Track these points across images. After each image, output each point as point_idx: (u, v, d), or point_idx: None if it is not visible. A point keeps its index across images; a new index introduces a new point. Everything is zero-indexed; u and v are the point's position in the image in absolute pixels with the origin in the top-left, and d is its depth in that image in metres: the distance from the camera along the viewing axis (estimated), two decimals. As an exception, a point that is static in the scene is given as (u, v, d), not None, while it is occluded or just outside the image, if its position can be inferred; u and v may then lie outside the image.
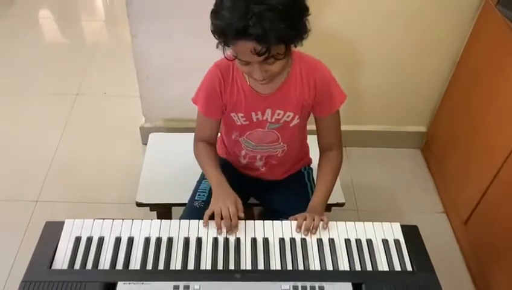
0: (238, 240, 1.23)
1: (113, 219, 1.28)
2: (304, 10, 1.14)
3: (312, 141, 1.59)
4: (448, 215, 2.15)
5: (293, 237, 1.25)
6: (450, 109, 2.17)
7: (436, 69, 2.15)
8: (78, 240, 1.21)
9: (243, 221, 1.28)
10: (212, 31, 1.15)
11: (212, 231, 1.25)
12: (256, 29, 1.06)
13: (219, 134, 1.63)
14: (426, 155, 2.43)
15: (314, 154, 1.64)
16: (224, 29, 1.10)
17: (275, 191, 1.59)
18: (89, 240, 1.21)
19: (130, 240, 1.21)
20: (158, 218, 1.72)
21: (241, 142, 1.48)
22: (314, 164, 1.64)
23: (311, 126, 1.51)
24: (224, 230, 1.24)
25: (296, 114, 1.38)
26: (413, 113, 2.34)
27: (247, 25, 1.06)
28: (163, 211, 1.71)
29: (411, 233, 1.29)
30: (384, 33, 2.01)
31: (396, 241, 1.25)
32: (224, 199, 1.29)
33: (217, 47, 1.18)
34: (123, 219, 1.27)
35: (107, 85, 2.78)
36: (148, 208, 1.69)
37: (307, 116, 1.46)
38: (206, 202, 1.50)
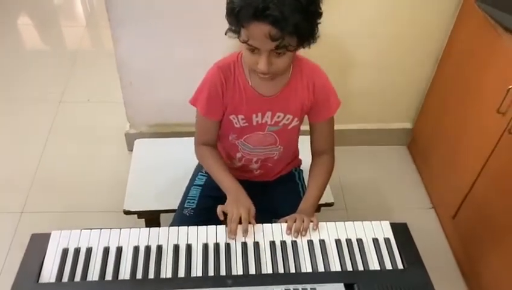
0: (228, 245, 1.22)
1: (101, 229, 1.25)
2: (319, 13, 1.16)
3: (301, 143, 1.59)
4: (436, 211, 2.17)
5: (284, 239, 1.24)
6: (435, 105, 2.18)
7: (419, 65, 2.16)
8: (65, 251, 1.18)
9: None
10: (228, 10, 1.15)
11: (202, 237, 1.24)
12: (275, 12, 1.06)
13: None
14: (412, 151, 2.45)
15: (303, 155, 1.64)
16: (243, 8, 1.09)
17: (267, 192, 1.58)
18: (77, 251, 1.19)
19: (119, 250, 1.19)
20: (146, 225, 1.71)
21: (238, 144, 1.47)
22: (304, 166, 1.65)
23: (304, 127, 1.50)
24: (238, 233, 1.23)
25: (295, 117, 1.38)
26: (399, 110, 2.35)
27: (267, 6, 1.06)
28: (152, 218, 1.69)
29: (401, 231, 1.29)
30: (366, 31, 2.02)
31: (387, 240, 1.25)
32: (239, 206, 1.28)
33: (226, 33, 1.17)
34: (111, 229, 1.25)
35: (91, 92, 2.74)
36: (136, 215, 1.67)
37: (302, 120, 1.46)
38: (196, 210, 1.50)
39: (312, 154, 1.50)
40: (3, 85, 2.80)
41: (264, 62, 1.16)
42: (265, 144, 1.45)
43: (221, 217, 1.27)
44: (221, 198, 1.54)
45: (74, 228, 1.24)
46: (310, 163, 1.51)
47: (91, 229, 1.25)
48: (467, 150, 1.88)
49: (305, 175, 1.60)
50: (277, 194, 1.57)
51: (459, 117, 1.95)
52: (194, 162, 1.65)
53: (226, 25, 1.20)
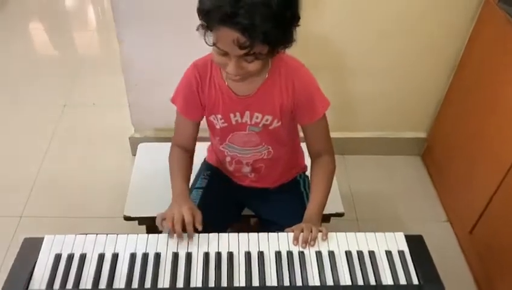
0: (231, 254, 1.15)
1: (97, 234, 1.20)
2: (296, 18, 1.09)
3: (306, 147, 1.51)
4: (452, 224, 2.08)
5: (290, 250, 1.17)
6: (451, 113, 2.11)
7: (435, 71, 2.09)
8: (58, 257, 1.13)
9: (235, 235, 1.20)
10: (197, 10, 1.09)
11: (203, 246, 1.17)
12: (244, 19, 0.99)
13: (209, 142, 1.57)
14: (427, 162, 2.37)
15: (309, 160, 1.53)
16: (211, 11, 1.03)
17: (269, 201, 1.51)
18: (70, 257, 1.13)
19: (115, 257, 1.13)
20: (147, 232, 1.64)
21: (225, 148, 1.42)
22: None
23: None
24: (174, 236, 1.17)
25: (275, 118, 1.31)
26: (412, 118, 2.28)
27: (237, 12, 0.99)
28: (153, 225, 1.61)
29: (416, 243, 1.22)
30: (380, 36, 1.96)
31: (401, 253, 1.18)
32: (181, 206, 1.21)
33: (197, 29, 1.11)
34: (107, 234, 1.19)
35: (97, 95, 2.71)
36: (136, 222, 1.61)
37: (290, 121, 1.37)
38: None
39: (310, 157, 1.42)
40: (9, 88, 2.79)
41: (233, 66, 1.10)
42: (250, 144, 1.38)
43: (161, 227, 1.19)
44: (224, 201, 1.50)
45: (73, 233, 1.19)
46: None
47: (86, 234, 1.20)
48: (486, 161, 1.80)
49: None
50: (279, 204, 1.49)
51: (478, 127, 1.87)
52: (199, 167, 1.61)
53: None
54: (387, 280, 1.12)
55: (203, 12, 1.06)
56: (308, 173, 1.58)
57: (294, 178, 1.55)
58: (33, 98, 2.71)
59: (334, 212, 1.59)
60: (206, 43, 1.10)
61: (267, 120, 1.32)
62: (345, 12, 1.86)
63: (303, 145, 1.54)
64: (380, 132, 2.32)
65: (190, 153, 1.42)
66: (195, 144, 1.42)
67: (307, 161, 1.57)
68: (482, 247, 1.82)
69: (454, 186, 2.06)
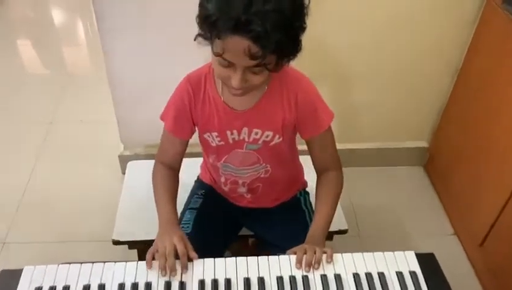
0: (228, 282, 1.06)
1: (81, 263, 1.09)
2: (303, 27, 1.01)
3: (306, 161, 1.42)
4: (459, 238, 1.99)
5: (293, 274, 1.08)
6: (454, 120, 2.03)
7: (436, 78, 2.02)
8: None
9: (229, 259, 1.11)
10: (200, 18, 1.00)
11: (197, 272, 1.08)
12: (258, 27, 0.91)
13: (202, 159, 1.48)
14: (430, 172, 2.29)
15: (309, 176, 1.47)
16: (221, 18, 0.94)
17: (269, 221, 1.41)
18: None
19: (101, 288, 1.03)
20: (139, 257, 1.54)
21: (219, 167, 1.32)
22: (311, 187, 1.47)
23: (304, 146, 1.35)
24: (168, 272, 1.06)
25: (276, 133, 1.23)
26: (413, 127, 2.21)
27: (250, 20, 0.91)
28: (144, 249, 1.51)
29: (428, 262, 1.14)
30: (378, 43, 1.89)
31: (413, 274, 1.10)
32: (172, 236, 1.11)
33: (196, 39, 1.02)
34: (93, 263, 1.09)
35: (84, 112, 2.63)
36: (126, 245, 1.51)
37: (292, 136, 1.30)
38: (191, 235, 1.33)
39: (316, 173, 1.33)
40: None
41: (238, 79, 1.02)
42: (247, 163, 1.29)
43: (150, 265, 1.08)
44: (220, 222, 1.41)
45: (60, 259, 1.13)
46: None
47: (70, 263, 1.10)
48: (494, 168, 1.72)
49: (312, 199, 1.42)
50: (279, 225, 1.40)
51: (483, 132, 1.80)
52: (190, 186, 1.52)
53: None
54: (399, 304, 1.03)
55: (208, 20, 0.97)
56: (308, 189, 1.50)
57: (294, 196, 1.46)
58: (17, 116, 2.63)
59: (337, 229, 1.50)
60: (213, 51, 1.01)
61: (267, 136, 1.23)
62: (342, 20, 1.80)
63: (302, 159, 1.47)
64: (379, 143, 2.25)
65: (176, 171, 1.32)
66: (181, 162, 1.33)
67: (307, 176, 1.50)
68: (494, 261, 1.73)
69: (461, 196, 1.98)
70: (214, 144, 1.26)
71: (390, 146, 2.25)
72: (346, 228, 1.53)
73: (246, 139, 1.23)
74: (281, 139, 1.24)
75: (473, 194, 1.87)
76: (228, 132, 1.22)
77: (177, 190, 1.29)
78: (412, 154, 2.29)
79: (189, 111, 1.22)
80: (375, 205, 2.13)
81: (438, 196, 2.19)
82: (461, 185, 1.97)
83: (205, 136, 1.25)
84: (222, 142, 1.24)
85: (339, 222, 1.51)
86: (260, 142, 1.24)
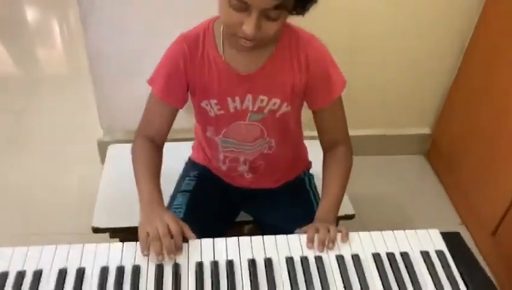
0: (230, 263, 0.92)
1: (56, 245, 0.94)
2: None
3: (311, 145, 1.32)
4: (468, 227, 1.89)
5: (305, 255, 0.96)
6: (460, 104, 1.93)
7: (439, 60, 1.92)
8: (4, 276, 0.88)
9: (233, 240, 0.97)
10: None
11: (194, 254, 0.94)
12: None
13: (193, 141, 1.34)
14: (432, 160, 2.19)
15: (313, 159, 1.36)
16: None
17: (271, 203, 1.28)
18: (20, 275, 0.88)
19: (80, 272, 0.89)
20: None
21: (218, 142, 1.18)
22: (315, 171, 1.36)
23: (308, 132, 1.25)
24: (166, 255, 0.92)
25: (283, 101, 1.09)
26: (414, 112, 2.10)
27: None
28: (127, 238, 1.35)
29: (454, 242, 1.04)
30: (379, 25, 1.79)
31: (439, 253, 0.99)
32: (162, 216, 0.96)
33: None
34: (70, 244, 0.94)
35: (58, 103, 2.48)
36: (107, 234, 1.36)
37: (299, 106, 1.17)
38: (184, 220, 1.17)
39: (323, 149, 1.20)
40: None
41: (253, 24, 0.89)
42: (249, 139, 1.15)
43: (148, 251, 0.93)
44: (216, 205, 1.26)
45: None
46: (321, 168, 1.21)
47: (42, 246, 0.94)
48: (505, 155, 1.62)
49: (317, 182, 1.32)
50: (282, 206, 1.27)
51: (492, 118, 1.70)
52: (179, 169, 1.37)
53: (213, 8, 0.94)
54: (427, 286, 0.92)
55: None
56: (312, 170, 1.37)
57: (298, 176, 1.33)
58: None
59: (343, 214, 1.37)
60: None
61: (274, 104, 1.09)
62: (349, 2, 1.71)
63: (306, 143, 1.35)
64: (377, 129, 2.14)
65: (160, 147, 1.15)
66: (166, 137, 1.16)
67: (311, 159, 1.38)
68: (508, 250, 1.63)
69: (468, 184, 1.88)
70: (212, 114, 1.11)
71: (390, 133, 2.15)
72: (353, 212, 1.43)
73: (250, 108, 1.09)
74: (289, 107, 1.11)
75: (482, 181, 1.77)
76: (229, 99, 1.08)
77: (160, 167, 1.13)
78: (413, 142, 2.19)
79: (183, 74, 1.07)
80: (377, 195, 2.03)
81: (442, 185, 2.10)
82: (468, 172, 1.88)
83: (202, 104, 1.11)
84: (222, 111, 1.10)
85: (345, 206, 1.38)
86: (266, 111, 1.10)
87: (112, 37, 1.69)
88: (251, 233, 1.50)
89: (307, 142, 1.35)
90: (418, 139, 2.19)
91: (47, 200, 1.95)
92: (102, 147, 1.92)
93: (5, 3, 3.70)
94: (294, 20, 1.00)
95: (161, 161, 1.14)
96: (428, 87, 2.02)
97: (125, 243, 0.96)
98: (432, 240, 1.01)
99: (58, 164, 2.13)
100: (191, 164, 1.36)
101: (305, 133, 1.27)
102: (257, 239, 0.98)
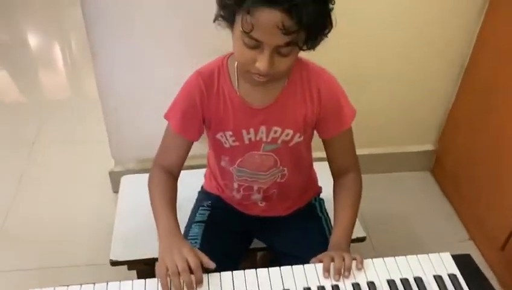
0: (249, 298, 0.94)
1: (81, 284, 0.98)
2: (331, 3, 0.95)
3: (320, 167, 1.34)
4: (476, 243, 1.90)
5: (322, 284, 0.98)
6: (463, 119, 1.95)
7: (440, 75, 1.95)
8: None
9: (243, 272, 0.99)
10: None
11: (215, 288, 0.96)
12: None
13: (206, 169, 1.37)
14: (438, 176, 2.20)
15: (322, 183, 1.38)
16: None
17: (283, 230, 1.30)
18: None
19: None
20: (139, 278, 1.40)
21: (233, 172, 1.21)
22: (325, 195, 1.38)
23: (316, 152, 1.27)
24: None
25: (296, 132, 1.13)
26: (417, 130, 2.12)
27: None
28: (145, 269, 1.38)
29: (466, 264, 1.05)
30: (379, 43, 1.82)
31: (452, 277, 1.01)
32: (180, 249, 0.98)
33: (216, 19, 0.95)
34: (94, 283, 0.99)
35: (68, 133, 2.50)
36: (126, 266, 1.38)
37: (311, 135, 1.21)
38: (201, 251, 1.21)
39: (333, 176, 1.24)
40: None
41: (266, 61, 0.93)
42: (263, 168, 1.18)
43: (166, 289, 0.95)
44: (231, 235, 1.28)
45: (51, 286, 0.99)
46: (331, 191, 1.24)
47: (68, 286, 0.98)
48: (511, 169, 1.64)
49: (327, 206, 1.35)
50: (295, 233, 1.29)
51: (496, 132, 1.72)
52: (192, 197, 1.40)
53: (224, 40, 0.98)
54: (443, 311, 0.93)
55: None
56: (323, 196, 1.40)
57: (309, 202, 1.36)
58: None
59: (354, 237, 1.37)
60: (240, 29, 0.92)
61: (287, 135, 1.13)
62: (346, 20, 1.69)
63: (315, 165, 1.37)
64: (382, 148, 2.16)
65: (176, 177, 1.19)
66: (182, 167, 1.20)
67: (321, 183, 1.40)
68: (518, 264, 1.64)
69: (475, 200, 1.89)
70: (227, 145, 1.15)
71: (394, 151, 2.17)
72: (364, 235, 1.44)
73: (264, 139, 1.13)
74: (301, 138, 1.14)
75: (489, 195, 1.78)
76: (244, 131, 1.12)
77: (176, 198, 1.17)
78: (417, 159, 2.21)
79: (200, 109, 1.11)
80: (384, 212, 2.04)
81: (448, 200, 2.10)
82: (474, 187, 1.89)
83: (218, 136, 1.14)
84: (237, 143, 1.14)
85: (355, 229, 1.37)
86: (279, 141, 1.14)
87: (122, 69, 1.73)
88: (264, 260, 1.54)
89: (316, 164, 1.37)
90: (422, 156, 2.20)
91: (60, 232, 1.95)
92: (114, 177, 1.95)
93: (5, 28, 3.75)
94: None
95: (176, 191, 1.18)
96: (431, 104, 2.04)
97: (147, 280, 0.98)
98: (444, 264, 1.03)
99: (70, 196, 2.13)
100: (204, 194, 1.38)
101: (314, 154, 1.29)
102: (274, 270, 1.00)
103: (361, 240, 1.42)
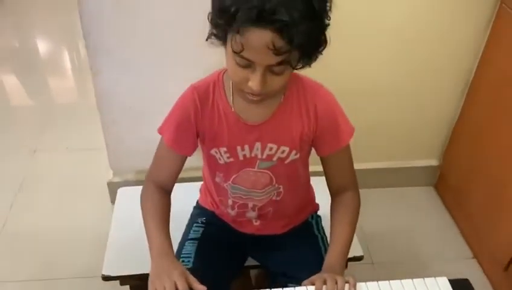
0: (238, 320, 0.91)
1: None
2: (328, 21, 0.93)
3: (317, 183, 1.31)
4: (479, 261, 1.86)
5: None
6: (467, 135, 1.92)
7: (445, 91, 1.92)
8: None
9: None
10: (213, 12, 0.91)
11: None
12: (284, 16, 0.82)
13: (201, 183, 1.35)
14: (441, 192, 2.16)
15: (320, 199, 1.36)
16: (241, 9, 0.84)
17: (278, 249, 1.27)
18: None
19: None
20: (132, 293, 1.38)
21: (227, 188, 1.19)
22: (323, 212, 1.36)
23: (314, 167, 1.23)
24: None
25: (292, 149, 1.11)
26: (421, 144, 2.08)
27: (274, 9, 0.82)
28: (138, 285, 1.36)
29: (462, 289, 1.03)
30: (382, 58, 1.80)
31: None
32: (170, 273, 0.96)
33: (209, 37, 0.93)
34: None
35: (70, 140, 2.50)
36: (118, 281, 1.35)
37: (307, 152, 1.18)
38: (193, 270, 1.18)
39: (331, 194, 1.21)
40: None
41: (258, 80, 0.91)
42: (259, 186, 1.16)
43: None
44: (225, 253, 1.26)
45: None
46: (329, 208, 1.21)
47: None
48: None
49: (324, 223, 1.32)
50: (290, 252, 1.26)
51: (500, 148, 1.68)
52: (187, 211, 1.38)
53: (223, 53, 0.96)
54: (437, 340, 0.90)
55: (225, 12, 0.86)
56: (319, 212, 1.37)
57: (305, 220, 1.33)
58: None
59: (351, 256, 1.36)
60: (230, 49, 0.91)
61: (283, 152, 1.11)
62: (351, 33, 1.69)
63: (312, 181, 1.34)
64: (385, 162, 2.13)
65: (169, 193, 1.18)
66: (175, 182, 1.19)
67: (318, 200, 1.37)
68: (522, 286, 1.60)
69: (479, 216, 1.85)
70: (222, 161, 1.13)
71: (398, 166, 2.14)
72: (361, 254, 1.40)
73: (259, 156, 1.11)
74: (297, 155, 1.12)
75: (494, 212, 1.74)
76: (239, 148, 1.10)
77: (169, 214, 1.15)
78: (421, 174, 2.17)
79: (194, 123, 1.09)
80: (386, 228, 2.01)
81: (452, 217, 2.06)
82: (478, 204, 1.85)
83: (212, 152, 1.13)
84: (231, 159, 1.12)
85: (353, 247, 1.35)
86: (275, 159, 1.12)
87: (121, 79, 1.72)
88: (258, 279, 1.51)
89: (313, 179, 1.34)
90: (426, 171, 2.17)
91: (56, 242, 1.94)
92: (112, 188, 1.94)
93: (15, 34, 3.80)
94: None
95: (170, 207, 1.17)
96: (435, 121, 2.02)
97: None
98: (440, 289, 1.00)
99: (68, 206, 2.12)
100: (199, 209, 1.36)
101: (312, 168, 1.26)
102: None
103: (358, 259, 1.39)
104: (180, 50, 1.64)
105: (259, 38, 0.84)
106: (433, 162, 2.16)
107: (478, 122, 1.84)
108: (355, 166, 2.12)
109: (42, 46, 3.72)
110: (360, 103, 1.90)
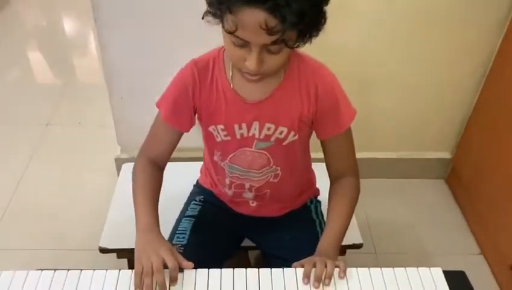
0: (224, 297, 0.91)
1: (68, 270, 0.96)
2: None
3: (319, 168, 1.29)
4: (486, 258, 1.82)
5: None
6: (482, 128, 1.87)
7: (461, 82, 1.87)
8: None
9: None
10: None
11: (189, 286, 0.93)
12: None
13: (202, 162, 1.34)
14: (452, 186, 2.12)
15: (321, 184, 1.33)
16: None
17: (275, 232, 1.26)
18: None
19: None
20: (129, 268, 1.39)
21: (224, 167, 1.18)
22: (323, 196, 1.33)
23: (316, 153, 1.22)
24: None
25: (291, 130, 1.09)
26: (434, 136, 2.04)
27: None
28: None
29: (457, 281, 1.00)
30: (399, 47, 1.77)
31: None
32: (157, 248, 0.96)
33: (204, 16, 0.91)
34: (81, 270, 0.96)
35: (84, 115, 2.54)
36: (115, 254, 1.37)
37: (307, 135, 1.16)
38: (187, 246, 1.19)
39: (330, 178, 1.19)
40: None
41: (255, 60, 0.89)
42: (256, 166, 1.14)
43: (138, 288, 0.93)
44: (220, 232, 1.26)
45: (46, 268, 0.97)
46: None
47: (54, 270, 0.96)
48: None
49: (324, 208, 1.28)
50: (286, 235, 1.25)
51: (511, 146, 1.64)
52: (187, 190, 1.37)
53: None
54: (426, 330, 0.88)
55: None
56: (320, 198, 1.35)
57: (304, 204, 1.31)
58: (14, 118, 2.55)
59: (350, 243, 1.35)
60: (224, 29, 0.90)
61: (281, 133, 1.09)
62: (366, 24, 1.69)
63: (314, 166, 1.33)
64: (397, 152, 2.09)
65: (161, 169, 1.17)
66: (169, 159, 1.18)
67: (319, 185, 1.36)
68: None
69: (488, 212, 1.81)
70: (219, 139, 1.12)
71: (410, 156, 2.10)
72: (361, 242, 1.38)
73: (256, 136, 1.09)
74: (296, 136, 1.10)
75: (503, 209, 1.70)
76: (236, 126, 1.08)
77: (159, 191, 1.14)
78: (433, 166, 2.13)
79: (191, 98, 1.08)
80: (392, 220, 1.98)
81: (461, 211, 2.02)
82: (488, 200, 1.81)
83: (210, 129, 1.11)
84: (228, 137, 1.11)
85: (353, 235, 1.36)
86: (272, 139, 1.10)
87: (130, 55, 1.71)
88: (258, 261, 1.51)
89: (314, 165, 1.33)
90: (438, 164, 2.13)
91: (61, 214, 1.98)
92: (119, 164, 1.94)
93: (43, 13, 3.86)
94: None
95: (161, 183, 1.15)
96: (449, 113, 1.98)
97: (121, 270, 0.97)
98: (434, 280, 0.97)
99: (77, 179, 2.16)
100: (198, 188, 1.36)
101: (313, 155, 1.25)
102: (252, 271, 0.96)
103: (357, 247, 1.38)
104: (192, 27, 1.60)
105: (252, 18, 0.83)
106: (446, 154, 2.11)
107: (493, 116, 1.80)
108: (369, 155, 2.10)
109: (68, 25, 3.77)
110: (372, 90, 1.87)
